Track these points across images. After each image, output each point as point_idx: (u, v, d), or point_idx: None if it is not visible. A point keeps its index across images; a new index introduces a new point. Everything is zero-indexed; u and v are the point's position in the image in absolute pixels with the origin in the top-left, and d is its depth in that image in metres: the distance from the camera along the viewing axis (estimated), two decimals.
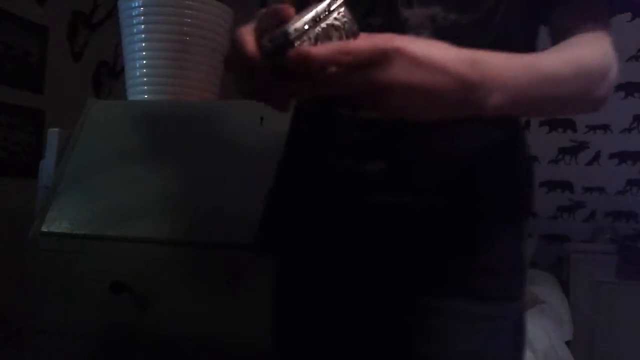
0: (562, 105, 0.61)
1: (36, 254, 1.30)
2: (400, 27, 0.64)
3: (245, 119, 1.37)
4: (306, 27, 0.48)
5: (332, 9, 0.49)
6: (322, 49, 0.47)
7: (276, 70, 0.50)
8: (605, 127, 3.34)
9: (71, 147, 1.41)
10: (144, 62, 1.53)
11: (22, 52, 2.48)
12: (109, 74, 2.99)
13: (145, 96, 1.54)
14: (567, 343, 2.41)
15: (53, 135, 1.43)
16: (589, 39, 0.62)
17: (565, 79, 0.57)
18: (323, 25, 0.49)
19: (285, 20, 0.49)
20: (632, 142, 3.30)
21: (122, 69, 1.64)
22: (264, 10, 0.52)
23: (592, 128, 3.35)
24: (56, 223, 1.30)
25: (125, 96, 1.61)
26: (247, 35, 0.51)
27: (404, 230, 0.66)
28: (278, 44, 0.48)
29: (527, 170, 0.74)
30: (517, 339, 0.73)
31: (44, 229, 1.30)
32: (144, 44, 1.53)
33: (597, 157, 3.35)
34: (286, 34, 0.48)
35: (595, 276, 2.96)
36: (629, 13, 3.31)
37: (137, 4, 1.52)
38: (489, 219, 0.67)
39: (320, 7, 0.49)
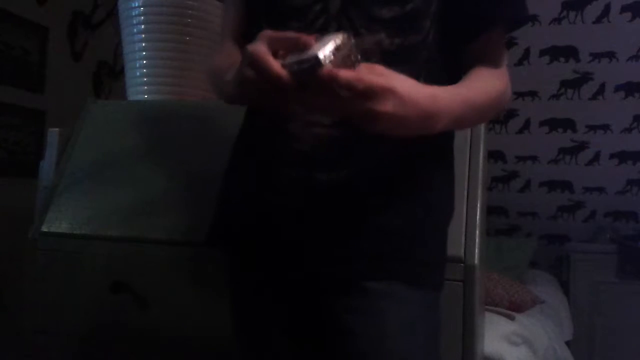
0: (478, 122, 0.97)
1: (36, 254, 1.30)
2: None
3: None
4: (332, 56, 0.61)
5: (345, 42, 0.63)
6: (345, 73, 0.60)
7: (297, 87, 0.63)
8: (605, 127, 3.34)
9: (71, 147, 1.41)
10: (144, 62, 1.53)
11: (22, 52, 2.48)
12: (109, 74, 2.98)
13: (145, 96, 1.54)
14: (567, 343, 2.41)
15: (53, 135, 1.43)
16: (491, 74, 0.80)
17: (485, 107, 0.78)
18: (341, 54, 0.62)
19: (305, 47, 0.63)
20: (632, 142, 3.30)
21: (122, 69, 1.64)
22: (272, 34, 0.67)
23: (592, 128, 3.35)
24: (56, 223, 1.30)
25: (125, 96, 1.61)
26: (269, 56, 0.64)
27: (355, 229, 0.78)
28: (310, 66, 0.61)
29: (451, 175, 0.89)
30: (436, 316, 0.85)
31: (44, 229, 1.30)
32: (144, 44, 1.53)
33: (597, 157, 3.35)
34: (317, 58, 0.60)
35: (595, 276, 2.96)
36: (629, 13, 3.31)
37: (137, 4, 1.52)
38: (428, 216, 0.81)
39: (340, 40, 0.62)
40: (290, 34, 0.66)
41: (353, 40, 0.64)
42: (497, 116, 0.92)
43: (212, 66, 0.92)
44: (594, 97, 3.36)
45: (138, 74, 1.55)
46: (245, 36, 0.87)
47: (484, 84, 0.78)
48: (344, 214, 0.78)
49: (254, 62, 0.65)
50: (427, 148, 0.81)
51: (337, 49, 0.61)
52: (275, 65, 0.63)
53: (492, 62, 0.81)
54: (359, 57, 0.64)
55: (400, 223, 0.78)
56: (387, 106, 0.63)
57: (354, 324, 0.76)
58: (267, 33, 0.67)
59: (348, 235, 0.78)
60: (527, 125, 3.42)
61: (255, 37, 0.69)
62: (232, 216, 0.89)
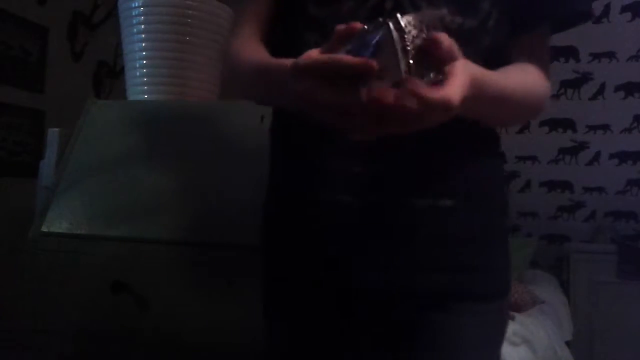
0: (512, 117, 0.80)
1: (36, 254, 1.30)
2: None
3: (245, 119, 1.37)
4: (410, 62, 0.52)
5: (404, 33, 0.53)
6: (430, 92, 0.52)
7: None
8: (605, 127, 3.34)
9: (71, 147, 1.41)
10: (144, 62, 1.53)
11: (22, 52, 2.48)
12: (109, 74, 2.98)
13: (145, 96, 1.54)
14: (567, 343, 2.41)
15: (53, 135, 1.43)
16: (534, 71, 0.75)
17: (521, 104, 0.73)
18: (409, 49, 0.52)
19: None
20: (632, 142, 3.30)
21: (122, 69, 1.64)
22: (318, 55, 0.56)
23: (592, 128, 3.35)
24: (56, 223, 1.30)
25: (125, 96, 1.61)
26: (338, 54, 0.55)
27: (429, 235, 0.72)
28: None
29: (503, 172, 0.84)
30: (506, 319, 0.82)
31: (44, 229, 1.30)
32: (144, 44, 1.53)
33: (597, 157, 3.36)
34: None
35: (595, 276, 2.96)
36: (629, 13, 3.31)
37: (137, 4, 1.52)
38: (491, 221, 0.76)
39: (398, 42, 0.52)
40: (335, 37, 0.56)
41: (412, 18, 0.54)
42: (534, 117, 0.86)
43: (238, 57, 0.80)
44: (594, 97, 3.36)
45: (138, 74, 1.55)
46: (274, 21, 0.80)
47: (526, 79, 0.73)
48: (415, 217, 0.71)
49: (324, 65, 0.55)
50: (494, 145, 0.79)
51: (404, 50, 0.52)
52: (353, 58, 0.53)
53: (539, 60, 0.76)
54: (424, 30, 0.54)
55: (477, 229, 0.73)
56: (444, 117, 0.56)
57: (431, 339, 0.71)
58: (313, 54, 0.57)
59: (421, 242, 0.71)
60: (527, 125, 3.42)
61: (292, 23, 0.64)
62: (284, 228, 0.81)
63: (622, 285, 2.93)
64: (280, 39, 0.79)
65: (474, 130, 0.72)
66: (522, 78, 0.73)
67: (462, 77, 0.55)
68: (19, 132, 2.47)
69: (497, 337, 0.77)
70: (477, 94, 0.59)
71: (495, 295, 0.75)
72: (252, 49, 0.78)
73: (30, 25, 2.51)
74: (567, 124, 3.36)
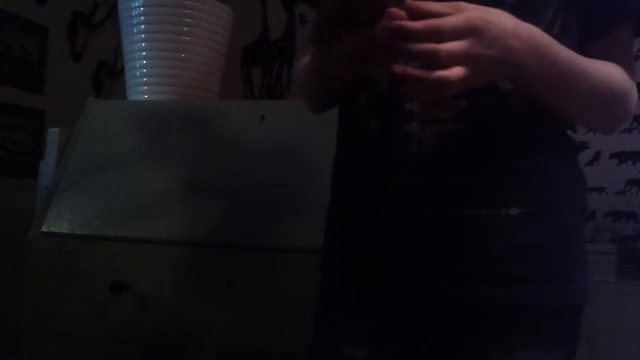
0: (589, 101, 0.69)
1: (36, 254, 1.30)
2: None
3: (245, 118, 1.37)
4: None
5: None
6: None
7: None
8: (612, 131, 3.34)
9: (71, 147, 1.41)
10: (144, 62, 1.53)
11: (22, 52, 2.48)
12: (109, 74, 2.98)
13: (145, 96, 1.54)
14: None
15: (53, 135, 1.43)
16: (612, 64, 0.70)
17: (600, 87, 0.67)
18: None
19: None
20: (632, 142, 3.30)
21: (122, 69, 1.64)
22: None
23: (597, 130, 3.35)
24: (56, 223, 1.30)
25: (125, 96, 1.61)
26: None
27: (498, 246, 0.68)
28: None
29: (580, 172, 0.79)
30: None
31: (44, 229, 1.30)
32: (144, 44, 1.53)
33: (597, 157, 3.35)
34: None
35: (595, 276, 2.95)
36: None
37: (137, 4, 1.52)
38: (563, 230, 0.73)
39: None
40: None
41: None
42: (618, 118, 0.76)
43: (298, 68, 0.86)
44: None
45: (138, 74, 1.55)
46: None
47: (601, 65, 0.68)
48: (480, 228, 0.67)
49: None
50: (563, 144, 0.76)
51: None
52: None
53: (618, 62, 0.71)
54: None
55: (546, 239, 0.70)
56: (491, 11, 0.58)
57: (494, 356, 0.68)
58: None
59: (485, 254, 0.68)
60: None
61: None
62: (346, 239, 0.78)
63: (622, 285, 2.92)
64: None
65: (543, 135, 0.70)
66: (597, 63, 0.68)
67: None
68: (19, 132, 2.47)
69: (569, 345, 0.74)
70: (532, 46, 0.60)
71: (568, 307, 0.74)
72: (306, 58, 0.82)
73: (30, 25, 2.51)
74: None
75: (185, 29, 1.52)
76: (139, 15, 1.53)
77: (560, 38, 0.66)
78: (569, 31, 0.71)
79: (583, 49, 0.70)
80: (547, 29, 0.66)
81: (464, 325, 0.69)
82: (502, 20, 0.59)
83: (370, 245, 0.73)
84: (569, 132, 0.82)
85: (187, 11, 1.52)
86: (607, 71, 0.68)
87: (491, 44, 0.57)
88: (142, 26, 1.53)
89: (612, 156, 3.32)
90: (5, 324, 1.75)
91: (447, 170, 0.68)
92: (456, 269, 0.68)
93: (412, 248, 0.69)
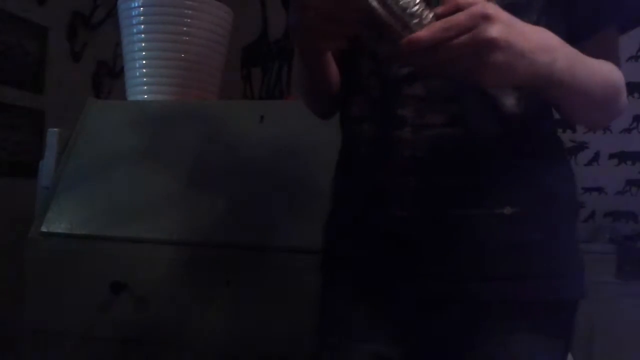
0: (591, 94, 0.69)
1: (36, 254, 1.30)
2: None
3: (245, 118, 1.37)
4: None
5: None
6: (426, 33, 0.54)
7: None
8: (604, 127, 3.34)
9: (71, 147, 1.41)
10: (144, 62, 1.53)
11: (22, 52, 2.48)
12: (109, 74, 2.98)
13: (145, 96, 1.54)
14: None
15: (53, 135, 1.43)
16: (608, 64, 0.72)
17: (599, 81, 0.69)
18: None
19: None
20: (632, 142, 3.29)
21: (122, 69, 1.64)
22: None
23: (592, 128, 3.35)
24: (56, 223, 1.30)
25: (125, 96, 1.61)
26: None
27: (490, 245, 0.69)
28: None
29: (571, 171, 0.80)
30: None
31: (44, 229, 1.30)
32: (144, 44, 1.53)
33: (596, 157, 3.35)
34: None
35: (595, 276, 2.95)
36: None
37: (137, 4, 1.52)
38: (556, 228, 0.73)
39: None
40: None
41: None
42: (617, 113, 0.80)
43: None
44: None
45: (138, 74, 1.55)
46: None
47: (599, 63, 0.69)
48: (475, 227, 0.69)
49: None
50: (554, 145, 0.78)
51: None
52: None
53: (607, 59, 0.73)
54: None
55: (540, 237, 0.70)
56: (496, 29, 0.53)
57: (496, 353, 0.69)
58: None
59: (482, 252, 0.69)
60: None
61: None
62: (342, 241, 0.80)
63: (621, 285, 2.92)
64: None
65: (533, 136, 0.72)
66: (595, 61, 0.69)
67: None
68: (19, 132, 2.47)
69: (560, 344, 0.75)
70: (549, 39, 0.60)
71: (563, 302, 0.75)
72: None
73: (30, 25, 2.51)
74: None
75: (185, 29, 1.52)
76: (139, 15, 1.53)
77: None
78: (554, 31, 0.70)
79: None
80: None
81: (462, 322, 0.71)
82: (513, 20, 0.58)
83: (369, 246, 0.75)
84: (569, 132, 0.82)
85: (187, 11, 1.52)
86: (607, 68, 0.71)
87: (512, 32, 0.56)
88: (142, 26, 1.53)
89: (611, 156, 3.32)
90: (4, 324, 1.75)
91: (441, 173, 0.69)
92: (454, 267, 0.70)
93: (410, 248, 0.71)
